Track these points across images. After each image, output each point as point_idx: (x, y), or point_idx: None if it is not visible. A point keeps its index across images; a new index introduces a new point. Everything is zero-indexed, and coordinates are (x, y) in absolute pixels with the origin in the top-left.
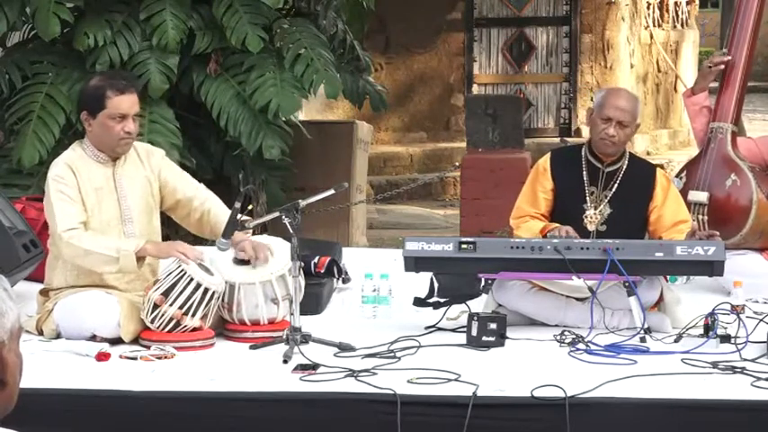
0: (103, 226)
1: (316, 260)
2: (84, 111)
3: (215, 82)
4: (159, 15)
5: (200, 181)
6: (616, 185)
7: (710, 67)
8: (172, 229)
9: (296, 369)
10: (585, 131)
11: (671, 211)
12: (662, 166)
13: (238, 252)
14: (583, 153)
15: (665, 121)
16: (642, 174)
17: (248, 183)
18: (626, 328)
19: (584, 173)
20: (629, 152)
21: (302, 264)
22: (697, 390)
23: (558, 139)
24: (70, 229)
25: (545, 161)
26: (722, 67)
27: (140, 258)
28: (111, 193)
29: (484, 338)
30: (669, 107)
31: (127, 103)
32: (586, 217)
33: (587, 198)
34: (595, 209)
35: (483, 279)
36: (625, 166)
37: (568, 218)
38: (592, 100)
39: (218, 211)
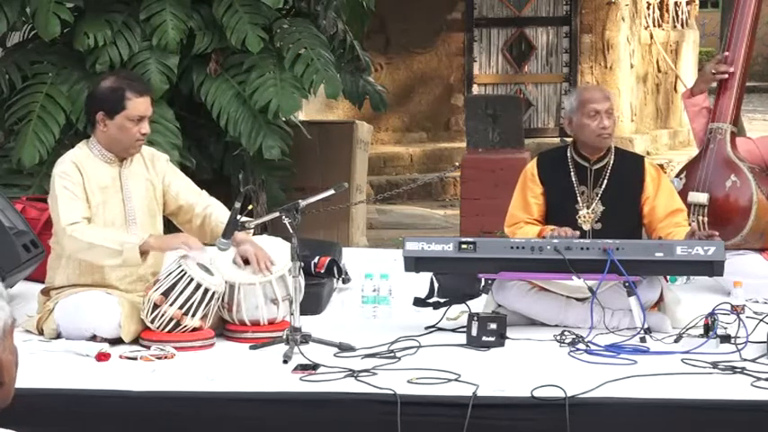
0: (107, 226)
1: (316, 260)
2: (100, 111)
3: (215, 82)
4: (159, 15)
5: (200, 181)
6: (605, 182)
7: (714, 73)
8: (172, 230)
9: (296, 369)
10: None
11: (664, 202)
12: (662, 166)
13: (239, 257)
14: (569, 154)
15: (665, 121)
16: (630, 166)
17: (248, 183)
18: (626, 328)
19: (573, 173)
20: (615, 146)
21: (302, 264)
22: (697, 390)
23: (559, 139)
24: (74, 222)
25: (532, 166)
26: (725, 76)
27: (144, 253)
28: (117, 192)
29: (484, 338)
30: (669, 107)
31: (145, 105)
32: (580, 217)
33: (578, 198)
34: (588, 207)
35: (483, 279)
36: (612, 161)
37: (562, 219)
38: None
39: (219, 215)
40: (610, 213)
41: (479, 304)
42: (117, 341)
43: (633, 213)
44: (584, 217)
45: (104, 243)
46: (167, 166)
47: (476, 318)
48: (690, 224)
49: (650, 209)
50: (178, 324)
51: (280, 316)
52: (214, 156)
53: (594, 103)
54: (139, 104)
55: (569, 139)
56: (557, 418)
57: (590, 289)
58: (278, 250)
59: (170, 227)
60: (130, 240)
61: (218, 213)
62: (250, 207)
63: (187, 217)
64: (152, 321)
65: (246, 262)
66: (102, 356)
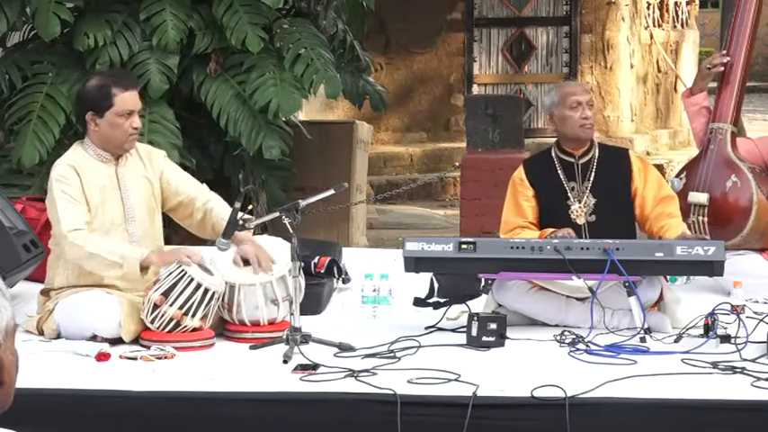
0: (107, 225)
1: (316, 260)
2: (89, 111)
3: (215, 82)
4: (159, 15)
5: (200, 181)
6: (593, 174)
7: (709, 68)
8: (172, 229)
9: (296, 369)
10: None
11: (653, 192)
12: (662, 166)
13: (240, 256)
14: (553, 153)
15: (665, 121)
16: (616, 159)
17: (248, 183)
18: (626, 328)
19: (560, 170)
20: (598, 142)
21: (302, 264)
22: (697, 390)
23: None
24: (75, 229)
25: (519, 172)
26: (721, 68)
27: (144, 268)
28: (115, 191)
29: (484, 338)
30: (669, 107)
31: (133, 98)
32: (573, 212)
33: (569, 194)
34: (579, 202)
35: (483, 279)
36: (597, 155)
37: (556, 217)
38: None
39: (220, 210)
40: (602, 205)
41: (479, 304)
42: (117, 341)
43: (625, 203)
44: (577, 211)
45: (105, 255)
46: (165, 161)
47: (476, 318)
48: (689, 224)
49: (641, 200)
50: (178, 324)
51: (280, 316)
52: (214, 156)
53: (576, 95)
54: (127, 99)
55: None
56: (557, 418)
57: (590, 289)
58: (278, 250)
59: (170, 225)
60: (131, 254)
61: (219, 208)
62: (250, 207)
63: (187, 212)
64: (152, 321)
65: (247, 262)
66: (102, 356)
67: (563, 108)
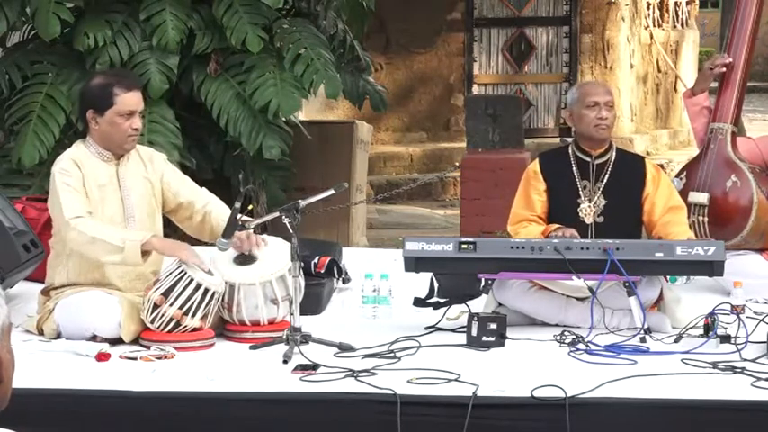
0: (106, 222)
1: (316, 260)
2: (90, 109)
3: (215, 82)
4: (159, 15)
5: (200, 181)
6: (607, 176)
7: (711, 69)
8: (172, 228)
9: (296, 369)
10: None
11: (663, 198)
12: (662, 166)
13: (235, 246)
14: (570, 150)
15: (665, 121)
16: (631, 164)
17: (248, 183)
18: (626, 328)
19: (575, 168)
20: (616, 146)
21: (302, 264)
22: (697, 390)
23: (559, 139)
24: (77, 216)
25: (534, 165)
26: (724, 70)
27: (145, 252)
28: (115, 190)
29: (484, 338)
30: (669, 107)
31: (134, 99)
32: (582, 210)
33: (580, 192)
34: (590, 201)
35: (483, 279)
36: (613, 158)
37: (564, 214)
38: (564, 107)
39: (220, 212)
40: (612, 207)
41: (479, 304)
42: (117, 341)
43: (635, 208)
44: (586, 210)
45: (106, 238)
46: (165, 165)
47: (476, 318)
48: (689, 224)
49: (650, 206)
50: (178, 324)
51: (280, 316)
52: (214, 156)
53: (595, 96)
54: (128, 99)
55: (569, 140)
56: (557, 418)
57: (590, 289)
58: (278, 250)
59: (170, 225)
60: (133, 238)
61: (218, 210)
62: (250, 207)
63: (186, 214)
64: (152, 321)
65: (245, 261)
66: (102, 356)
67: (581, 106)
